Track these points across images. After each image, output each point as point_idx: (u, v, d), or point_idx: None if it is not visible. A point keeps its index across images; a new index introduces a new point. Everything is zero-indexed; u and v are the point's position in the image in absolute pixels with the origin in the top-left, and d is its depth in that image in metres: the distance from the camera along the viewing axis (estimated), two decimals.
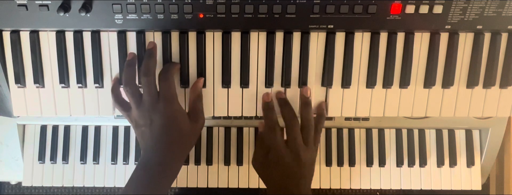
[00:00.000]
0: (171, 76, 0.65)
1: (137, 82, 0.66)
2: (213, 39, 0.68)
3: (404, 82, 0.69)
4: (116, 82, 0.69)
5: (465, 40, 0.68)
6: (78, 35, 0.67)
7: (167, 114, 0.63)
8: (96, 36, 0.67)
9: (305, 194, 0.67)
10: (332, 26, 0.66)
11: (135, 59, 0.67)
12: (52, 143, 0.82)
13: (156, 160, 0.63)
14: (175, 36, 0.68)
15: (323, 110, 0.71)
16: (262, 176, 0.71)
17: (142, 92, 0.65)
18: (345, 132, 0.82)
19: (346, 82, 0.69)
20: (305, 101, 0.69)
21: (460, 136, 0.83)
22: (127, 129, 0.82)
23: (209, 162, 0.82)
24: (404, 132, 0.82)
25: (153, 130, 0.63)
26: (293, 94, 0.70)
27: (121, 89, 0.69)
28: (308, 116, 0.69)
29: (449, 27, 0.66)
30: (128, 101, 0.67)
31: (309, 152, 0.68)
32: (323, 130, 0.82)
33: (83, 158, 0.82)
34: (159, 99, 0.64)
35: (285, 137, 0.69)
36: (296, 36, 0.68)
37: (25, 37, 0.68)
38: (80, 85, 0.69)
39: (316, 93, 0.70)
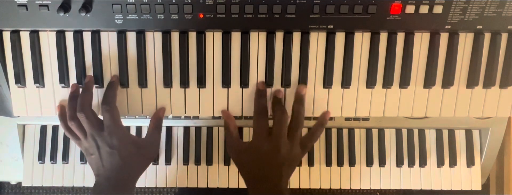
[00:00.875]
0: (113, 105, 0.66)
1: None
2: (213, 39, 0.68)
3: (404, 82, 0.69)
4: (62, 111, 0.69)
5: (465, 40, 0.68)
6: (78, 35, 0.67)
7: (113, 141, 0.66)
8: (96, 36, 0.67)
9: (279, 187, 0.65)
10: (332, 26, 0.66)
11: (77, 91, 0.68)
12: (52, 143, 0.82)
13: (107, 184, 0.66)
14: (175, 36, 0.68)
15: (326, 120, 0.71)
16: (235, 161, 0.71)
17: None
18: (345, 132, 0.82)
19: (346, 82, 0.69)
20: (299, 98, 0.69)
21: (460, 136, 0.83)
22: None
23: (209, 162, 0.82)
24: (404, 132, 0.82)
25: (102, 157, 0.66)
26: (293, 94, 0.70)
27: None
28: (300, 112, 0.68)
29: (449, 27, 0.66)
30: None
31: (290, 148, 0.67)
32: (323, 130, 0.82)
33: (83, 158, 0.82)
34: (105, 128, 0.66)
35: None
36: (296, 36, 0.68)
37: (25, 37, 0.68)
38: (80, 85, 0.69)
39: (316, 93, 0.70)
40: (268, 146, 0.66)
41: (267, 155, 0.66)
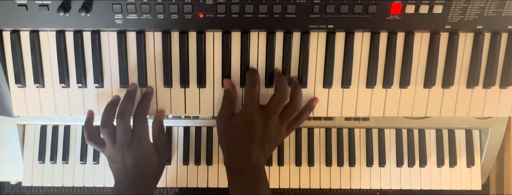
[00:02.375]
0: (145, 116, 0.68)
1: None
2: (213, 39, 0.68)
3: (404, 82, 0.69)
4: (89, 118, 0.70)
5: (465, 40, 0.68)
6: (78, 35, 0.67)
7: (138, 153, 0.67)
8: (96, 36, 0.67)
9: (256, 165, 0.65)
10: (332, 26, 0.66)
11: (118, 99, 0.68)
12: (52, 143, 0.82)
13: (126, 193, 0.67)
14: (175, 36, 0.68)
15: (313, 105, 0.70)
16: (221, 128, 0.69)
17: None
18: (345, 132, 0.82)
19: (346, 82, 0.69)
20: (297, 84, 0.68)
21: (460, 136, 0.83)
22: None
23: (209, 162, 0.82)
24: (404, 132, 0.82)
25: (125, 166, 0.67)
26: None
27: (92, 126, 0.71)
28: (298, 97, 0.67)
29: (449, 27, 0.66)
30: (103, 138, 0.69)
31: (278, 126, 0.66)
32: (323, 130, 0.82)
33: (83, 158, 0.82)
34: (132, 138, 0.67)
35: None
36: (296, 36, 0.68)
37: (25, 37, 0.68)
38: (80, 85, 0.69)
39: (316, 93, 0.70)
40: (258, 118, 0.65)
41: (254, 127, 0.65)
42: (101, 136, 0.69)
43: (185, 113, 0.71)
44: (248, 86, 0.67)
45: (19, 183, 0.87)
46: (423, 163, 0.82)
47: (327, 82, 0.69)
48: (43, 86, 0.70)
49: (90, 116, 0.70)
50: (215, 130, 0.82)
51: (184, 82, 0.69)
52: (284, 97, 0.66)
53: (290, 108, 0.67)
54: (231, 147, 0.67)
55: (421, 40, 0.68)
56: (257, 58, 0.69)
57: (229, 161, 0.68)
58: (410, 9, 0.64)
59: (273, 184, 0.82)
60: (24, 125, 0.82)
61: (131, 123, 0.67)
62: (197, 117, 0.81)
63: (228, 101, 0.68)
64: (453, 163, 0.82)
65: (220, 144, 0.69)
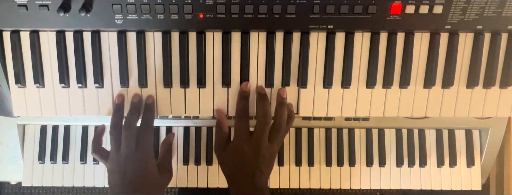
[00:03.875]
0: (151, 129, 0.69)
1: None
2: (213, 39, 0.68)
3: (404, 82, 0.69)
4: (100, 132, 0.74)
5: (465, 40, 0.68)
6: (78, 35, 0.67)
7: (141, 165, 0.67)
8: (96, 36, 0.67)
9: (259, 185, 0.67)
10: (332, 26, 0.66)
11: (123, 102, 0.69)
12: (52, 143, 0.82)
13: None
14: (175, 36, 0.68)
15: (292, 111, 0.71)
16: (219, 160, 0.72)
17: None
18: (345, 132, 0.82)
19: (346, 82, 0.69)
20: (281, 102, 0.69)
21: (460, 136, 0.83)
22: None
23: (209, 162, 0.82)
24: (404, 132, 0.82)
25: (125, 179, 0.67)
26: (292, 94, 0.70)
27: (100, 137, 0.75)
28: (282, 116, 0.69)
29: (449, 27, 0.66)
30: (110, 146, 0.70)
31: (270, 149, 0.69)
32: (323, 130, 0.82)
33: (83, 158, 0.82)
34: (136, 149, 0.67)
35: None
36: (296, 36, 0.68)
37: (25, 37, 0.68)
38: (80, 85, 0.69)
39: (316, 93, 0.70)
40: (249, 148, 0.68)
41: (247, 156, 0.68)
42: (105, 145, 0.71)
43: (185, 113, 0.71)
44: (238, 117, 0.69)
45: (19, 183, 0.87)
46: (423, 163, 0.82)
47: (327, 82, 0.69)
48: (43, 86, 0.70)
49: (101, 130, 0.74)
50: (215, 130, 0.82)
51: (184, 82, 0.69)
52: (267, 120, 0.68)
53: (274, 129, 0.69)
54: (232, 177, 0.70)
55: (421, 40, 0.68)
56: (257, 58, 0.69)
57: (233, 189, 0.70)
58: (410, 9, 0.64)
59: (273, 184, 0.82)
60: (24, 125, 0.82)
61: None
62: (197, 117, 0.81)
63: (219, 133, 0.71)
64: (453, 163, 0.82)
65: (223, 173, 0.72)
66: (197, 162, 0.82)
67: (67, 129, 0.82)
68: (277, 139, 0.69)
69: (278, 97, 0.70)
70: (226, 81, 0.69)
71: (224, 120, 0.71)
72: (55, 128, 0.82)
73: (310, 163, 0.82)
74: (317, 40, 0.68)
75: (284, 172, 0.82)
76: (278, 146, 0.71)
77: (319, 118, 0.81)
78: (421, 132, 0.82)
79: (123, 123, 0.68)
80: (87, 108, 0.70)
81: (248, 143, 0.68)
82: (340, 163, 0.82)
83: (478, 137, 0.83)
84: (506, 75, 0.69)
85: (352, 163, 0.82)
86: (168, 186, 0.82)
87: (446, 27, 0.66)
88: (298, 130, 0.82)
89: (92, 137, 0.75)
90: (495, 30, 0.67)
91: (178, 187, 1.00)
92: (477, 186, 0.83)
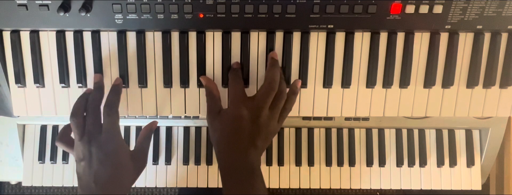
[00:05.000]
0: (116, 111, 0.64)
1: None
2: (213, 39, 0.68)
3: (404, 82, 0.69)
4: (66, 132, 0.68)
5: (465, 40, 0.68)
6: (78, 35, 0.67)
7: (108, 147, 0.61)
8: (96, 36, 0.67)
9: (250, 159, 0.61)
10: (332, 26, 0.66)
11: (88, 92, 0.66)
12: (52, 143, 0.82)
13: None
14: (175, 36, 0.68)
15: (297, 88, 0.67)
16: (211, 126, 0.66)
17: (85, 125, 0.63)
18: (345, 132, 0.82)
19: (346, 82, 0.69)
20: (272, 63, 0.65)
21: (460, 136, 0.83)
22: (126, 128, 0.82)
23: (209, 162, 0.82)
24: (404, 132, 0.82)
25: (92, 165, 0.61)
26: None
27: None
28: (283, 85, 0.65)
29: (449, 27, 0.66)
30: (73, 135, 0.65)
31: (269, 119, 0.63)
32: (323, 130, 0.82)
33: None
34: (102, 132, 0.62)
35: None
36: (296, 36, 0.68)
37: (25, 37, 0.68)
38: (80, 85, 0.69)
39: (316, 93, 0.70)
40: (247, 113, 0.62)
41: (244, 122, 0.62)
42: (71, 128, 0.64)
43: (185, 113, 0.71)
44: (232, 80, 0.66)
45: (19, 183, 0.87)
46: (423, 163, 0.82)
47: (327, 82, 0.69)
48: (43, 86, 0.70)
49: (66, 131, 0.68)
50: None
51: (184, 82, 0.69)
52: (274, 87, 0.63)
53: (278, 97, 0.64)
54: (222, 145, 0.63)
55: (421, 40, 0.68)
56: (257, 58, 0.69)
57: (221, 160, 0.63)
58: (410, 9, 0.64)
59: (273, 184, 0.82)
60: (24, 125, 0.82)
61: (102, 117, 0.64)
62: (197, 117, 0.81)
63: (210, 97, 0.66)
64: (453, 163, 0.82)
65: (212, 142, 0.66)
66: (197, 162, 0.82)
67: None
68: (278, 109, 0.63)
69: (270, 60, 0.66)
70: (226, 81, 0.69)
71: (214, 84, 0.67)
72: (55, 128, 0.82)
73: (310, 163, 0.82)
74: (317, 40, 0.68)
75: (284, 172, 0.82)
76: (279, 124, 0.65)
77: (319, 118, 0.81)
78: (421, 132, 0.82)
79: (88, 102, 0.63)
80: None
81: (245, 107, 0.62)
82: (340, 163, 0.82)
83: (478, 137, 0.83)
84: (506, 75, 0.69)
85: (352, 163, 0.82)
86: (168, 186, 0.83)
87: (446, 27, 0.66)
88: (298, 130, 0.82)
89: (60, 130, 0.69)
90: (495, 30, 0.67)
91: (178, 187, 1.00)
92: (477, 186, 0.83)
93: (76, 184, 0.82)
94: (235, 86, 0.66)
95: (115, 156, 0.62)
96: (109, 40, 0.68)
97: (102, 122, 0.63)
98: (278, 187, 0.82)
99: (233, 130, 0.63)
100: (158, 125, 0.81)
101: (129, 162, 0.64)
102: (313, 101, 0.71)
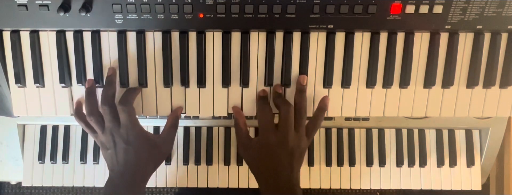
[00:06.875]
0: (130, 104, 0.66)
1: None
2: (213, 39, 0.68)
3: (404, 82, 0.69)
4: (79, 106, 0.70)
5: (465, 40, 0.68)
6: (78, 35, 0.67)
7: (128, 139, 0.66)
8: (96, 36, 0.67)
9: (290, 182, 0.65)
10: (332, 26, 0.66)
11: (94, 86, 0.68)
12: (52, 143, 0.82)
13: (120, 180, 0.67)
14: (175, 36, 0.68)
15: (326, 105, 0.69)
16: (245, 158, 0.70)
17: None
18: (345, 132, 0.82)
19: (346, 82, 0.69)
20: (300, 88, 0.68)
21: (460, 136, 0.83)
22: None
23: (209, 162, 0.82)
24: (404, 132, 0.82)
25: (117, 153, 0.67)
26: (293, 94, 0.70)
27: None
28: (302, 102, 0.67)
29: (449, 27, 0.66)
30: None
31: (298, 139, 0.66)
32: (323, 130, 0.82)
33: (83, 158, 0.82)
34: (121, 125, 0.66)
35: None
36: (296, 36, 0.68)
37: (25, 37, 0.68)
38: (80, 85, 0.69)
39: (316, 93, 0.70)
40: (276, 140, 0.65)
41: (276, 149, 0.65)
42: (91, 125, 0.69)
43: (185, 113, 0.71)
44: (260, 110, 0.68)
45: (19, 183, 0.87)
46: (423, 163, 0.82)
47: (327, 82, 0.69)
48: (43, 86, 0.70)
49: (79, 105, 0.70)
50: (215, 130, 0.82)
51: (184, 82, 0.69)
52: (290, 112, 0.66)
53: (296, 116, 0.66)
54: (260, 173, 0.68)
55: (421, 40, 0.68)
56: (257, 58, 0.69)
57: (262, 187, 0.67)
58: (410, 9, 0.64)
59: None
60: (24, 125, 0.82)
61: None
62: (197, 117, 0.81)
63: (237, 130, 0.70)
64: (453, 163, 0.82)
65: (250, 170, 0.71)
66: (197, 162, 0.82)
67: (67, 129, 0.82)
68: (301, 126, 0.66)
69: (297, 84, 0.68)
70: (226, 81, 0.69)
71: (241, 117, 0.70)
72: (55, 128, 0.82)
73: (310, 163, 0.82)
74: (317, 40, 0.68)
75: None
76: (308, 139, 0.68)
77: None
78: (421, 132, 0.82)
79: (101, 99, 0.67)
80: None
81: (274, 135, 0.65)
82: (340, 163, 0.82)
83: (478, 137, 0.83)
84: (506, 75, 0.69)
85: (352, 163, 0.82)
86: (168, 186, 0.83)
87: (446, 27, 0.66)
88: None
89: (74, 111, 0.71)
90: (495, 30, 0.67)
91: (178, 187, 1.00)
92: (477, 186, 0.83)
93: (76, 184, 0.82)
94: (264, 115, 0.67)
95: (136, 144, 0.67)
96: (109, 40, 0.68)
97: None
98: None
99: (269, 159, 0.66)
100: (158, 125, 0.81)
101: (151, 148, 0.69)
102: (313, 101, 0.71)
